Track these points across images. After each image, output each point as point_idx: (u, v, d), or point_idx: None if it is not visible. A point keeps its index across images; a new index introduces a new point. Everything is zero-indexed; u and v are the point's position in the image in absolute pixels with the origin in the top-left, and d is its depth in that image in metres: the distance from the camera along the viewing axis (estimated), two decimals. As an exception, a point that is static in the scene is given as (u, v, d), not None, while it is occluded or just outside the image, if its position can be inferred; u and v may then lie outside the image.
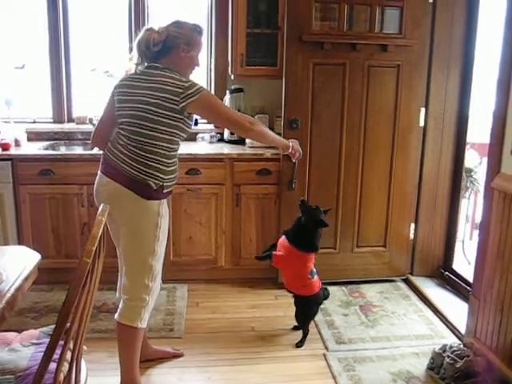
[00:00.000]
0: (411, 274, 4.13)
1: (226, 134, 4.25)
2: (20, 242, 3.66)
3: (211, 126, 4.31)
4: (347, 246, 3.96)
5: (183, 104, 2.33)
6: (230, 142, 4.21)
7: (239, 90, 4.20)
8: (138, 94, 2.37)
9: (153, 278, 2.49)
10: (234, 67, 3.98)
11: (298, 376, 2.85)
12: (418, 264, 4.12)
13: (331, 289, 3.60)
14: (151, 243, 2.45)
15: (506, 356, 2.68)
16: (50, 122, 4.37)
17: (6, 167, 3.58)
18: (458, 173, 3.97)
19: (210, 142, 4.23)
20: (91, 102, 4.34)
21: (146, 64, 2.48)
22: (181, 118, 2.38)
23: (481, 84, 3.89)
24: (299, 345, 3.15)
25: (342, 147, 3.80)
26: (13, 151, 3.68)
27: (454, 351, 2.80)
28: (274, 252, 3.16)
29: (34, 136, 4.16)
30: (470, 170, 4.42)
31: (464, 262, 4.22)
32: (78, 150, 4.08)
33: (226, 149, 3.98)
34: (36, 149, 3.82)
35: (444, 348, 2.87)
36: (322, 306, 3.35)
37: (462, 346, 2.93)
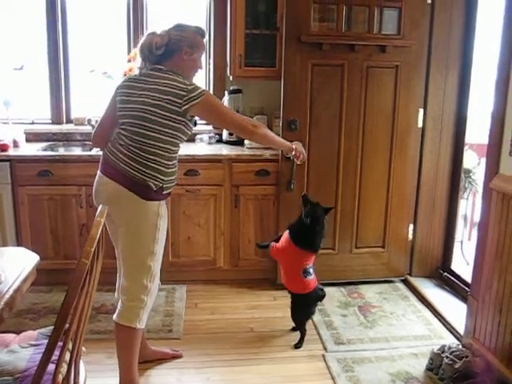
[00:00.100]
0: (410, 274, 4.13)
1: (225, 134, 4.25)
2: (18, 243, 3.65)
3: (210, 127, 4.31)
4: (346, 246, 3.97)
5: (186, 107, 2.34)
6: (228, 142, 4.21)
7: (238, 91, 4.20)
8: (141, 96, 2.38)
9: (151, 278, 2.49)
10: (233, 68, 3.98)
11: (297, 377, 2.85)
12: (417, 265, 4.12)
13: (330, 289, 3.62)
14: (150, 244, 2.45)
15: (504, 356, 2.69)
16: (49, 123, 4.37)
17: (4, 168, 3.57)
18: (456, 173, 3.97)
19: (209, 143, 4.24)
20: (90, 103, 4.33)
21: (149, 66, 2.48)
22: (183, 121, 2.39)
23: (479, 85, 3.89)
24: (297, 346, 3.15)
25: (340, 148, 3.80)
26: (11, 152, 3.68)
27: (453, 352, 2.80)
28: (274, 243, 3.21)
29: (32, 137, 4.16)
30: (468, 171, 4.42)
31: (462, 263, 4.23)
32: (77, 151, 4.08)
33: (224, 150, 3.98)
34: (34, 150, 3.82)
35: (443, 349, 2.87)
36: (320, 307, 3.36)
37: (460, 346, 2.93)
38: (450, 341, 3.17)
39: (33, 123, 4.32)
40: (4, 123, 3.96)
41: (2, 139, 3.72)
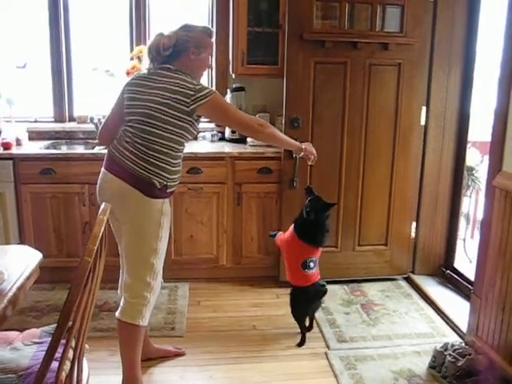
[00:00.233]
0: (413, 272, 4.13)
1: (227, 132, 4.25)
2: (22, 241, 3.66)
3: (212, 125, 4.31)
4: (349, 244, 3.96)
5: (193, 106, 2.35)
6: (231, 140, 4.21)
7: (240, 89, 4.20)
8: (150, 94, 2.39)
9: (154, 276, 2.49)
10: (235, 66, 3.98)
11: (300, 375, 2.85)
12: (420, 262, 4.12)
13: (333, 287, 3.61)
14: (153, 241, 2.45)
15: (507, 354, 2.68)
16: (51, 122, 4.38)
17: (7, 166, 3.58)
18: (459, 171, 3.97)
19: (211, 141, 4.24)
20: (92, 101, 4.34)
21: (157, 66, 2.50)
22: (189, 120, 2.40)
23: (482, 82, 3.88)
24: (300, 344, 3.15)
25: (343, 145, 3.80)
26: (14, 150, 3.69)
27: (456, 349, 2.80)
28: (281, 232, 3.27)
29: (35, 135, 4.17)
30: (471, 169, 4.41)
31: (465, 261, 4.22)
32: (80, 149, 4.09)
33: (227, 147, 3.98)
34: (37, 148, 3.83)
35: (445, 346, 2.87)
36: (322, 305, 3.35)
37: (463, 344, 2.93)
38: (453, 339, 3.16)
39: (35, 121, 4.33)
40: (7, 121, 3.96)
41: (4, 137, 3.73)
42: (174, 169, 2.47)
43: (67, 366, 1.69)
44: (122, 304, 2.52)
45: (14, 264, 1.91)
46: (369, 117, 3.79)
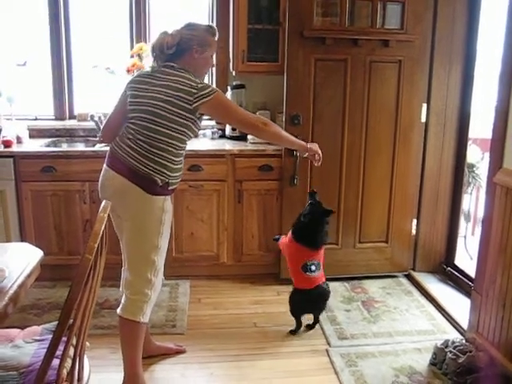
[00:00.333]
0: (413, 269, 4.13)
1: (228, 130, 4.25)
2: (22, 239, 3.66)
3: (213, 122, 4.31)
4: (349, 241, 3.96)
5: (196, 104, 2.36)
6: (231, 138, 4.21)
7: (241, 86, 4.20)
8: (153, 91, 2.40)
9: (155, 273, 2.50)
10: (236, 63, 3.97)
11: (301, 372, 2.85)
12: (420, 259, 4.12)
13: (333, 284, 3.61)
14: (154, 238, 2.46)
15: (508, 351, 2.69)
16: (52, 119, 4.38)
17: (7, 164, 3.58)
18: (460, 168, 3.97)
19: (212, 138, 4.24)
20: (93, 98, 4.34)
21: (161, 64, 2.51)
22: (192, 118, 2.40)
23: (483, 79, 3.87)
24: (292, 331, 3.21)
25: (343, 142, 3.79)
26: (15, 148, 3.69)
27: (457, 346, 2.80)
28: (284, 236, 3.29)
29: (35, 133, 4.17)
30: (472, 166, 4.41)
31: (466, 258, 4.22)
32: (80, 147, 4.09)
33: (227, 145, 3.98)
34: (38, 146, 3.83)
35: (446, 343, 2.87)
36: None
37: (464, 341, 2.93)
38: (454, 335, 3.16)
39: (36, 119, 4.32)
40: (7, 119, 3.96)
41: (5, 135, 3.73)
42: (175, 166, 2.47)
43: (68, 363, 1.69)
44: (123, 301, 2.53)
45: (14, 262, 1.92)
46: (369, 114, 3.79)
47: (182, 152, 2.50)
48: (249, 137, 3.99)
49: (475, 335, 2.98)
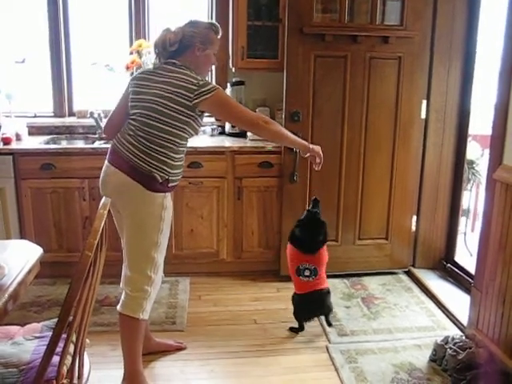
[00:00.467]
0: (413, 266, 4.13)
1: (227, 126, 4.25)
2: (22, 236, 3.66)
3: (212, 119, 4.30)
4: (349, 238, 3.96)
5: (196, 101, 2.35)
6: (231, 134, 4.21)
7: (240, 83, 4.20)
8: (153, 88, 2.40)
9: (155, 269, 2.50)
10: (235, 60, 3.97)
11: (301, 368, 2.86)
12: (420, 256, 4.12)
13: (333, 281, 3.61)
14: (154, 235, 2.46)
15: (507, 347, 2.69)
16: (51, 116, 4.37)
17: (7, 162, 3.58)
18: (459, 165, 3.96)
19: (212, 135, 4.23)
20: (92, 95, 4.33)
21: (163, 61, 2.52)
22: (192, 115, 2.40)
23: (482, 75, 3.87)
24: (292, 329, 3.21)
25: (343, 139, 3.79)
26: (14, 145, 3.69)
27: (456, 343, 2.80)
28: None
29: (35, 130, 4.16)
30: (471, 162, 4.41)
31: (466, 254, 4.22)
32: (79, 144, 4.08)
33: (227, 142, 3.98)
34: (37, 143, 3.83)
35: (446, 340, 2.87)
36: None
37: (464, 337, 2.93)
38: (454, 332, 3.17)
39: (35, 116, 4.32)
40: (6, 116, 3.96)
41: (4, 132, 3.73)
42: (175, 163, 2.47)
43: (68, 360, 1.69)
44: (122, 297, 2.53)
45: (14, 259, 1.91)
46: (369, 110, 3.78)
47: (182, 149, 2.49)
48: (248, 134, 3.99)
49: (475, 332, 2.98)
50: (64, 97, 4.36)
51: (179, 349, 2.99)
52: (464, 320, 3.18)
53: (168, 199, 2.50)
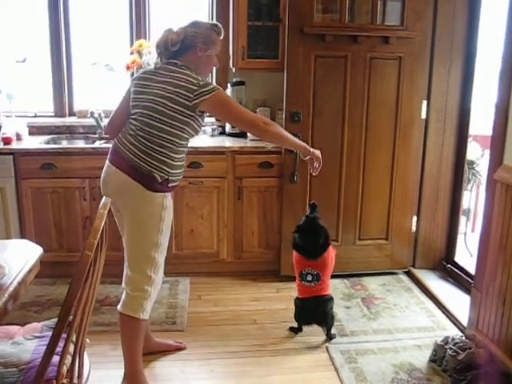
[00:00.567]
0: (413, 266, 4.13)
1: (228, 126, 4.25)
2: (22, 236, 3.67)
3: (213, 119, 4.30)
4: (349, 238, 3.96)
5: (196, 101, 2.35)
6: (231, 134, 4.21)
7: (240, 83, 4.20)
8: (154, 87, 2.41)
9: (155, 269, 2.50)
10: (236, 60, 3.97)
11: (300, 368, 2.86)
12: (420, 256, 4.12)
13: (333, 281, 3.60)
14: (154, 235, 2.46)
15: (508, 348, 2.69)
16: (52, 116, 4.38)
17: (7, 161, 3.58)
18: (460, 165, 3.96)
19: (212, 135, 4.23)
20: (92, 95, 4.33)
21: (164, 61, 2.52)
22: (192, 116, 2.40)
23: (483, 76, 3.87)
24: (292, 329, 3.20)
25: (343, 140, 3.79)
26: (14, 145, 3.69)
27: (456, 343, 2.80)
28: None
29: (35, 130, 4.17)
30: (472, 163, 4.40)
31: (466, 255, 4.22)
32: (80, 144, 4.08)
33: (227, 142, 3.98)
34: (37, 143, 3.83)
35: (446, 340, 2.87)
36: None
37: (464, 338, 2.93)
38: (454, 332, 3.16)
39: (36, 116, 4.32)
40: (7, 116, 3.96)
41: (5, 132, 3.73)
42: (175, 163, 2.47)
43: (68, 360, 1.69)
44: (123, 297, 2.53)
45: (14, 258, 1.92)
46: (369, 111, 3.78)
47: (182, 149, 2.49)
48: (249, 134, 3.99)
49: (475, 332, 2.98)
50: (64, 97, 4.37)
51: (179, 349, 2.99)
52: (464, 320, 3.18)
53: (168, 199, 2.50)
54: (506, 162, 2.76)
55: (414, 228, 4.07)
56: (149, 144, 2.39)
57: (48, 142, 3.95)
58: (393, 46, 3.70)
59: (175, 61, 2.47)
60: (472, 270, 3.25)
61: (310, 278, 3.04)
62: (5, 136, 3.68)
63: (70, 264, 3.15)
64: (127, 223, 2.48)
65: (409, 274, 4.08)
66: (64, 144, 4.08)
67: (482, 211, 3.07)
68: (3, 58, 4.15)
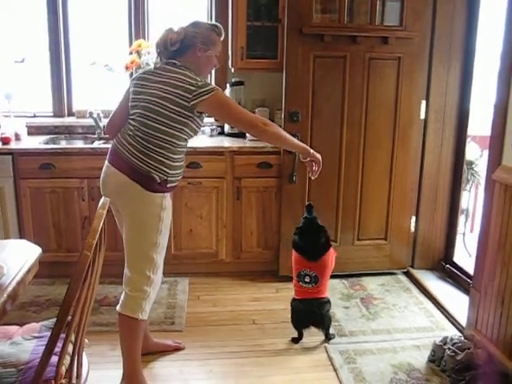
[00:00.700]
0: (412, 266, 4.13)
1: (227, 127, 4.25)
2: (21, 236, 3.66)
3: (211, 120, 4.30)
4: (348, 238, 3.96)
5: (194, 102, 2.35)
6: (230, 135, 4.21)
7: (239, 83, 4.19)
8: (152, 88, 2.40)
9: (154, 270, 2.50)
10: (234, 60, 3.97)
11: (299, 368, 2.86)
12: (419, 257, 4.12)
13: (332, 281, 3.61)
14: (153, 236, 2.45)
15: (506, 348, 2.69)
16: (51, 116, 4.37)
17: (6, 161, 3.57)
18: (458, 165, 3.96)
19: (211, 136, 4.23)
20: (91, 95, 4.33)
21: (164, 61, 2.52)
22: (190, 116, 2.39)
23: (482, 76, 3.87)
24: (294, 340, 3.13)
25: (342, 140, 3.79)
26: (13, 145, 3.68)
27: (455, 343, 2.80)
28: None
29: (34, 130, 4.16)
30: (470, 163, 4.41)
31: (465, 255, 4.22)
32: (79, 144, 4.08)
33: (226, 142, 3.98)
34: (36, 143, 3.82)
35: (445, 340, 2.87)
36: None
37: (462, 338, 2.93)
38: (452, 332, 3.17)
39: (34, 116, 4.32)
40: (6, 116, 3.96)
41: (3, 132, 3.73)
42: (174, 164, 2.46)
43: (67, 360, 1.69)
44: (122, 297, 2.53)
45: (13, 258, 1.91)
46: (368, 111, 3.78)
47: (181, 150, 2.49)
48: (247, 134, 3.98)
49: (474, 332, 2.98)
50: (63, 97, 4.36)
51: (178, 349, 2.99)
52: (463, 320, 3.18)
53: (167, 199, 2.50)
54: (505, 163, 2.76)
55: (412, 228, 4.08)
56: (147, 144, 2.38)
57: (47, 142, 3.95)
58: (392, 47, 3.70)
59: (174, 61, 2.46)
60: (471, 270, 3.25)
61: (307, 279, 3.02)
62: (4, 136, 3.68)
63: (69, 264, 3.15)
64: (126, 223, 2.48)
65: (408, 274, 4.09)
66: (63, 144, 4.08)
67: (480, 211, 3.07)
68: (2, 58, 4.15)
